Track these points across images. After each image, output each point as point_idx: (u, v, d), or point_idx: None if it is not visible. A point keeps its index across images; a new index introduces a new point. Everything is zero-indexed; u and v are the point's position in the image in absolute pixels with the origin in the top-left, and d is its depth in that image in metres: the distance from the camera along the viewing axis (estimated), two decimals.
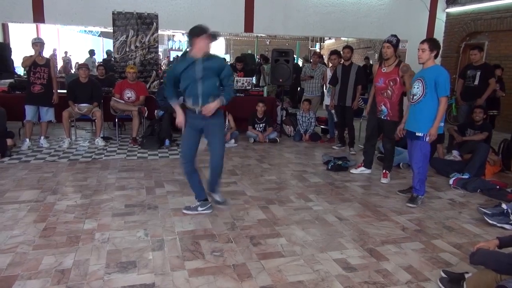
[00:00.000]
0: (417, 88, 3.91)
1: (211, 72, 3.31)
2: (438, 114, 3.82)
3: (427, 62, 3.89)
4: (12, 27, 13.08)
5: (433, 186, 4.77)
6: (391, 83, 4.59)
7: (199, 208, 3.63)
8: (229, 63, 12.00)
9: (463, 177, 4.79)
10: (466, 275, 2.47)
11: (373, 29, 9.60)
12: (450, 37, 10.34)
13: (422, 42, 3.89)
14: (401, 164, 5.49)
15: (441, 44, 10.21)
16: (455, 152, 5.72)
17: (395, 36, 4.61)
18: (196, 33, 3.22)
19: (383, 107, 4.67)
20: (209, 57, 3.30)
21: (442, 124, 3.92)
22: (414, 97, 3.95)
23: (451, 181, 4.79)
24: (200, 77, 3.28)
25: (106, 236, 3.10)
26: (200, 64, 3.26)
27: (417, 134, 3.96)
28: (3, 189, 4.11)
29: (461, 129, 6.00)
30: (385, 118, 4.69)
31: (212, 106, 3.32)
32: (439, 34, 10.11)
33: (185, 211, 3.63)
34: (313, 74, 7.70)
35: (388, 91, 4.61)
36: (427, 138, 3.89)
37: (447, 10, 10.27)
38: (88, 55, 14.36)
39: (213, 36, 3.29)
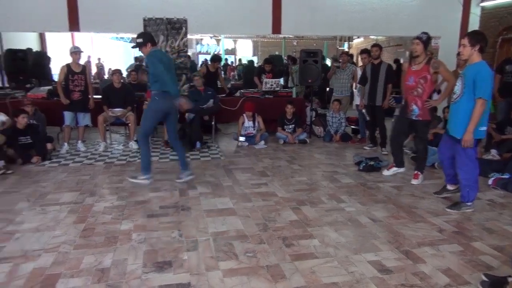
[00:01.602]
0: (457, 86, 3.69)
1: None
2: (472, 118, 3.50)
3: (471, 58, 3.56)
4: (49, 36, 13.66)
5: None
6: (421, 81, 4.46)
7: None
8: (258, 65, 11.96)
9: (503, 177, 4.61)
10: (510, 279, 2.38)
11: (404, 26, 9.37)
12: (485, 32, 9.85)
13: (463, 37, 3.60)
14: (436, 164, 5.35)
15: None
16: (493, 151, 5.54)
17: (425, 33, 4.48)
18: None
19: (414, 106, 4.54)
20: None
21: (483, 128, 3.62)
22: (453, 96, 3.75)
23: (490, 181, 4.62)
24: None
25: (142, 236, 3.18)
26: None
27: (457, 137, 3.70)
28: (45, 191, 4.29)
29: (500, 127, 5.79)
30: (417, 118, 4.57)
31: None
32: (473, 29, 9.76)
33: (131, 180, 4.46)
34: (342, 73, 7.61)
35: (419, 89, 4.49)
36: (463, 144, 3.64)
37: (482, 4, 9.89)
38: (133, 61, 14.98)
39: None
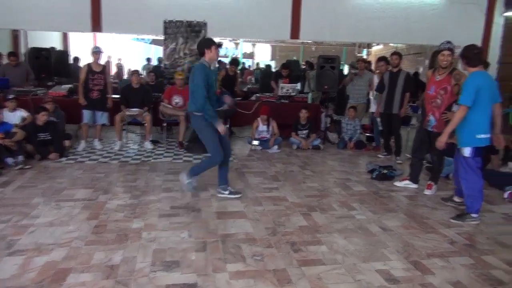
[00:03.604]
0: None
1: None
2: (451, 121, 3.75)
3: (468, 72, 3.75)
4: (72, 36, 14.01)
5: (486, 199, 4.51)
6: (441, 91, 4.40)
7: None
8: (275, 70, 11.95)
9: None
10: None
11: (425, 35, 9.27)
12: (509, 43, 9.76)
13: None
14: (450, 175, 5.26)
15: (499, 50, 9.76)
16: (510, 164, 5.42)
17: (450, 42, 4.45)
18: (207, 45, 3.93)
19: (431, 117, 4.49)
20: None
21: (482, 135, 3.67)
22: (455, 108, 3.87)
23: (506, 195, 4.54)
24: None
25: (152, 235, 3.23)
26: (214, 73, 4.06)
27: (458, 147, 3.84)
28: (61, 187, 4.40)
29: None
30: (432, 129, 4.51)
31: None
32: (496, 39, 9.59)
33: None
34: (359, 80, 7.58)
35: (438, 100, 4.43)
36: (465, 152, 3.75)
37: (506, 14, 9.71)
38: (146, 62, 15.23)
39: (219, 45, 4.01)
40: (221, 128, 4.02)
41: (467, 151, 3.75)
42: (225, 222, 3.56)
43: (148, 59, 15.59)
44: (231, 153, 6.23)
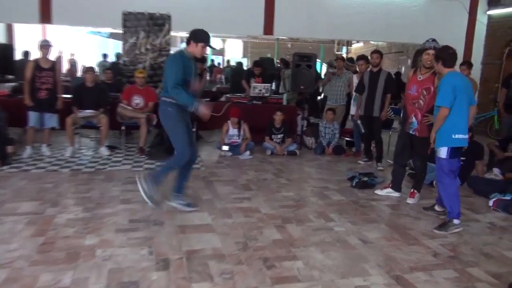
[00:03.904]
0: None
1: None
2: (435, 123, 3.97)
3: (442, 74, 4.00)
4: (17, 28, 13.57)
5: (471, 207, 4.69)
6: (424, 92, 4.53)
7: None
8: (247, 68, 11.98)
9: (504, 198, 4.69)
10: None
11: (406, 33, 9.57)
12: (492, 42, 10.21)
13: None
14: (434, 182, 5.41)
15: (482, 50, 10.18)
16: (496, 170, 5.63)
17: (435, 40, 4.60)
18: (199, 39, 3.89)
19: (413, 119, 4.61)
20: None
21: (459, 135, 3.86)
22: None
23: (491, 203, 4.70)
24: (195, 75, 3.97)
25: (108, 253, 3.15)
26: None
27: (435, 148, 4.05)
28: (2, 200, 4.23)
29: (503, 144, 5.90)
30: (414, 133, 4.63)
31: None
32: (479, 38, 10.01)
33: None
34: (337, 80, 7.70)
35: (420, 101, 4.56)
36: (441, 153, 3.96)
37: (489, 12, 10.17)
38: (102, 59, 14.86)
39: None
40: (203, 109, 3.82)
41: (443, 152, 3.93)
42: (190, 237, 3.52)
43: (105, 55, 15.27)
44: (197, 159, 6.23)
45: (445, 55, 3.92)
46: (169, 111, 3.86)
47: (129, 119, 6.67)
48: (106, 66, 12.23)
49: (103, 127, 6.45)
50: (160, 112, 3.96)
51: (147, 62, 8.24)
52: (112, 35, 18.63)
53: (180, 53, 3.94)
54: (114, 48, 18.11)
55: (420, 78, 4.59)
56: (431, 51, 4.45)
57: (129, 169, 5.71)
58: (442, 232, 3.90)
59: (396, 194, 4.98)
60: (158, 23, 8.21)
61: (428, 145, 4.27)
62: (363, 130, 6.82)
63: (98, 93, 6.56)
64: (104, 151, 6.44)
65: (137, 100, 6.76)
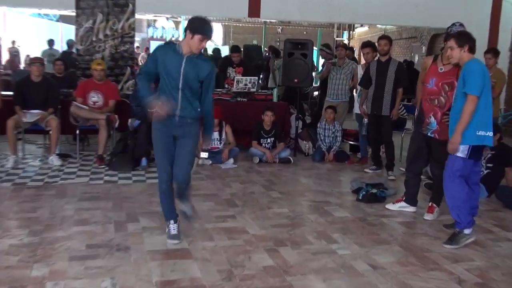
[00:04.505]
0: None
1: (196, 75, 3.73)
2: (461, 117, 3.91)
3: (462, 60, 4.05)
4: None
5: (500, 224, 4.75)
6: (446, 87, 4.56)
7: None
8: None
9: None
10: None
11: (419, 14, 9.67)
12: None
13: (449, 39, 4.17)
14: None
15: (510, 34, 10.34)
16: None
17: (462, 24, 4.66)
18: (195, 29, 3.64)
19: (432, 118, 4.64)
20: (198, 57, 3.75)
21: (483, 132, 3.92)
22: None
23: None
24: (184, 76, 3.69)
25: (60, 286, 3.11)
26: (189, 62, 3.68)
27: None
28: None
29: None
30: (433, 135, 4.67)
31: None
32: (507, 21, 10.15)
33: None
34: (338, 72, 7.76)
35: (441, 97, 4.59)
36: (460, 151, 3.99)
37: None
38: (47, 46, 14.65)
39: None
40: (154, 107, 3.66)
41: (462, 150, 3.96)
42: (163, 265, 3.50)
43: (50, 42, 14.78)
44: (146, 165, 6.27)
45: (471, 39, 4.03)
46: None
47: (85, 121, 6.61)
48: (54, 56, 12.09)
49: (52, 131, 6.39)
50: None
51: (107, 51, 8.17)
52: (62, 18, 18.51)
53: (166, 45, 3.93)
54: (65, 34, 18.00)
55: (441, 69, 4.62)
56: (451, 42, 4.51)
57: (86, 182, 5.65)
58: (453, 246, 3.99)
59: (411, 209, 5.02)
60: (119, 4, 8.16)
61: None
62: (364, 132, 6.85)
63: (46, 89, 6.50)
64: (54, 160, 6.39)
65: (95, 98, 6.72)
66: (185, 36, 3.74)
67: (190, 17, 3.98)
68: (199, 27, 3.65)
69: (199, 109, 3.82)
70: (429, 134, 4.69)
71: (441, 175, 4.82)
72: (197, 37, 3.62)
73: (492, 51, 6.82)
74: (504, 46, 9.94)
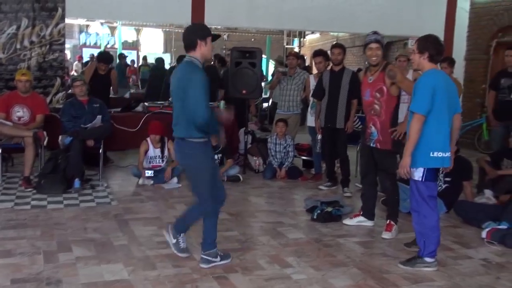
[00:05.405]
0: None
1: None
2: (409, 136, 3.98)
3: (422, 68, 4.10)
4: None
5: (460, 241, 4.92)
6: (378, 94, 4.79)
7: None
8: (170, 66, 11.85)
9: (500, 227, 4.95)
10: None
11: (373, 21, 9.87)
12: (476, 33, 10.83)
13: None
14: None
15: (465, 42, 10.80)
16: (488, 192, 5.91)
17: (377, 32, 4.87)
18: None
19: (372, 128, 4.86)
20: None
21: (439, 153, 3.95)
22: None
23: (484, 234, 4.93)
24: None
25: None
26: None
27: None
28: None
29: (495, 160, 6.22)
30: (375, 145, 4.84)
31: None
32: (461, 28, 10.57)
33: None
34: (289, 82, 7.86)
35: (376, 105, 4.82)
36: (415, 174, 4.03)
37: None
38: None
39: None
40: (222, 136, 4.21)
41: (417, 174, 4.03)
42: None
43: None
44: (79, 186, 6.16)
45: (435, 47, 4.00)
46: (198, 155, 3.87)
47: (8, 138, 6.43)
48: None
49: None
50: (184, 159, 4.05)
51: (33, 59, 7.97)
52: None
53: (195, 67, 3.79)
54: None
55: (371, 79, 4.89)
56: (375, 45, 4.77)
57: (10, 208, 5.48)
58: (406, 267, 4.09)
59: (369, 223, 5.16)
60: (47, 7, 7.99)
61: (394, 158, 4.46)
62: (318, 149, 6.93)
63: None
64: None
65: (20, 112, 6.55)
66: (194, 48, 3.76)
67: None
68: (203, 28, 3.86)
69: None
70: (371, 144, 4.87)
71: (393, 188, 5.00)
72: (209, 39, 3.77)
73: (448, 60, 6.96)
74: (459, 55, 10.38)
